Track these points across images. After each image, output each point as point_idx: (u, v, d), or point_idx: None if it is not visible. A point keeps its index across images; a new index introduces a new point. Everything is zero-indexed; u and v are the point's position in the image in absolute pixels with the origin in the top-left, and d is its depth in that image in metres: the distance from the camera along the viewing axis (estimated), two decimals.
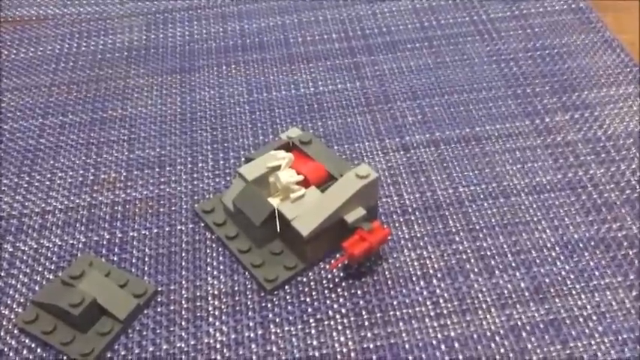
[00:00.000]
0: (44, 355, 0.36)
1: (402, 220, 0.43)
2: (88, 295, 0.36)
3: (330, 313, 0.38)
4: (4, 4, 0.65)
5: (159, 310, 0.38)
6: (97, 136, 0.50)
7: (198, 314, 0.38)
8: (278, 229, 0.40)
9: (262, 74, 0.55)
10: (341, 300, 0.38)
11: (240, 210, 0.40)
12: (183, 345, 0.37)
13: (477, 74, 0.54)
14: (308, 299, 0.38)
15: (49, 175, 0.47)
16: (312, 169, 0.41)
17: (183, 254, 0.41)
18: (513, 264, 0.40)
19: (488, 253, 0.41)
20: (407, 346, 0.36)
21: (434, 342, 0.36)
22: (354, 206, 0.39)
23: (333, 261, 0.40)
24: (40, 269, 0.41)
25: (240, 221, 0.41)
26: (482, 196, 0.44)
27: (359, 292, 0.39)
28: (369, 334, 0.37)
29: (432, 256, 0.41)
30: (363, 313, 0.38)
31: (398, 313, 0.38)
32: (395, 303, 0.38)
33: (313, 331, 0.37)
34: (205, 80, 0.55)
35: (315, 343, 0.36)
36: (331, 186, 0.40)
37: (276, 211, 0.39)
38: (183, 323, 0.38)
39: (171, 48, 0.59)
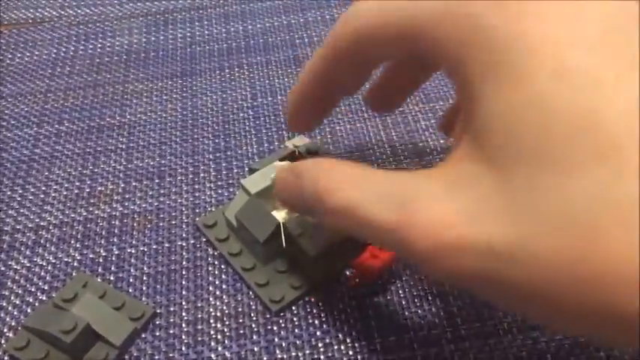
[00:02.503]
0: None
1: None
2: (82, 319, 0.34)
3: (340, 336, 0.35)
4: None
5: (157, 334, 0.36)
6: (94, 144, 0.48)
7: (200, 338, 0.36)
8: (284, 246, 0.38)
9: (267, 77, 0.53)
10: (351, 321, 0.36)
11: (243, 225, 0.38)
12: None
13: None
14: (316, 321, 0.36)
15: (43, 188, 0.45)
16: None
17: (184, 272, 0.39)
18: None
19: None
20: None
21: None
22: None
23: (343, 280, 0.38)
24: (32, 290, 0.39)
25: (244, 236, 0.39)
26: None
27: (371, 312, 0.36)
28: None
29: None
30: (376, 335, 0.35)
31: (413, 335, 0.35)
32: (410, 324, 0.36)
33: (322, 357, 0.34)
34: (208, 84, 0.53)
35: None
36: None
37: (282, 227, 0.37)
38: (183, 348, 0.35)
39: (172, 51, 0.56)
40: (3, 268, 0.40)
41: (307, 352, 0.35)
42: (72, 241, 0.41)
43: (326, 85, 0.32)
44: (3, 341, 0.36)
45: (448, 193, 0.22)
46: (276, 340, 0.35)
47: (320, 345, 0.35)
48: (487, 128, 0.22)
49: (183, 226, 0.42)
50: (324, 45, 0.30)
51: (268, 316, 0.36)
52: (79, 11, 0.61)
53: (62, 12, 0.61)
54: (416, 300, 0.37)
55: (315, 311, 0.36)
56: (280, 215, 0.37)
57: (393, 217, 0.23)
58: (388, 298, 0.37)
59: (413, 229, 0.22)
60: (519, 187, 0.20)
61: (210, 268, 0.39)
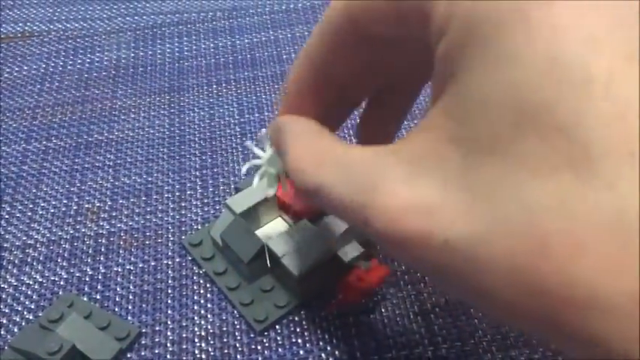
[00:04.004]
0: None
1: None
2: (67, 340, 0.35)
3: (323, 356, 0.36)
4: None
5: (142, 353, 0.36)
6: (82, 161, 0.48)
7: (184, 358, 0.36)
8: (269, 266, 0.38)
9: (254, 93, 0.53)
10: (334, 341, 0.36)
11: (228, 245, 0.38)
12: None
13: None
14: (299, 340, 0.36)
15: (31, 206, 0.45)
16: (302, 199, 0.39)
17: (169, 291, 0.39)
18: None
19: None
20: None
21: None
22: (348, 241, 0.37)
23: (328, 302, 0.38)
24: (19, 309, 0.39)
25: (229, 256, 0.39)
26: None
27: (353, 331, 0.37)
28: None
29: (432, 292, 0.38)
30: (358, 355, 0.36)
31: (395, 354, 0.36)
32: (392, 343, 0.36)
33: None
34: (195, 100, 0.53)
35: None
36: (324, 219, 0.37)
37: (266, 248, 0.37)
38: None
39: (160, 66, 0.57)
40: None
41: None
42: (59, 260, 0.41)
43: (324, 76, 0.29)
44: None
45: (411, 176, 0.21)
46: (259, 359, 0.36)
47: None
48: (461, 105, 0.20)
49: (170, 245, 0.42)
50: (318, 29, 0.28)
51: (252, 335, 0.37)
52: (68, 25, 0.62)
53: (51, 26, 0.62)
54: (398, 319, 0.37)
55: (298, 330, 0.37)
56: (266, 232, 0.38)
57: (360, 200, 0.22)
58: (371, 317, 0.37)
59: (376, 216, 0.21)
60: (484, 179, 0.19)
61: (195, 287, 0.39)
